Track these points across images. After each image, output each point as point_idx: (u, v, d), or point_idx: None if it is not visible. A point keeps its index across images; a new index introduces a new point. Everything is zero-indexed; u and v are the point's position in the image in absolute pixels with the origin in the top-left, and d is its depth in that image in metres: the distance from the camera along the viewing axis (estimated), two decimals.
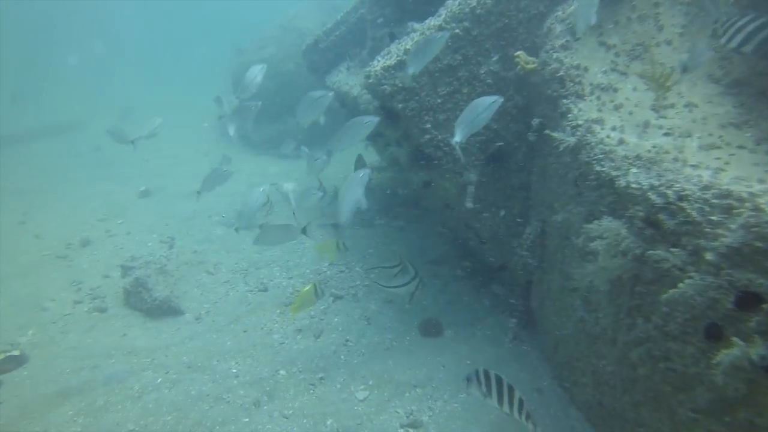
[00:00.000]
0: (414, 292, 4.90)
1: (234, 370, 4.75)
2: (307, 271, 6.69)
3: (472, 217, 5.03)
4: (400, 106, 4.33)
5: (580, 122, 3.30)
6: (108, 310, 5.87)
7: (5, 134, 14.27)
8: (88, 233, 8.02)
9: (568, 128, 3.35)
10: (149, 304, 5.65)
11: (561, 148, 3.34)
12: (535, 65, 4.04)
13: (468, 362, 4.89)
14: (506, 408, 3.12)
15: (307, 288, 4.57)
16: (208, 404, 4.29)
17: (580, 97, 3.45)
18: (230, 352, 5.03)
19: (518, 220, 4.96)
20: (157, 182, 10.62)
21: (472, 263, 6.67)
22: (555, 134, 3.35)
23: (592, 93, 3.42)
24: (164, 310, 5.70)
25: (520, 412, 3.09)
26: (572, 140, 3.26)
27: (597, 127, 3.18)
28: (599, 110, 3.32)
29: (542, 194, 4.41)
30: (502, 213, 4.98)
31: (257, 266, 6.82)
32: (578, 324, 3.71)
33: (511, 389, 3.11)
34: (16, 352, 5.00)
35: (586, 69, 3.51)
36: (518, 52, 4.12)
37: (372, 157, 11.69)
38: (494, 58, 4.35)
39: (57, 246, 7.63)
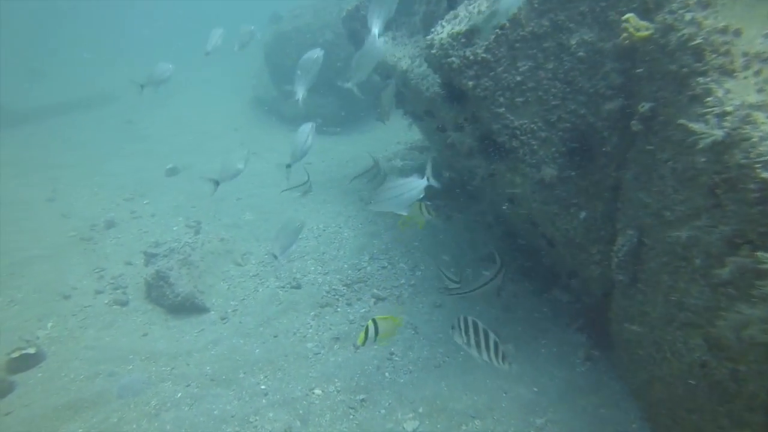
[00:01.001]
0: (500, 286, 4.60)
1: (263, 386, 4.18)
2: (345, 265, 6.04)
3: (545, 217, 4.21)
4: (470, 83, 3.51)
5: (729, 108, 2.42)
6: (129, 304, 5.42)
7: (35, 108, 14.11)
8: (114, 214, 7.61)
9: (710, 117, 2.48)
10: (171, 299, 5.16)
11: (700, 144, 2.48)
12: (650, 32, 3.13)
13: (535, 389, 4.17)
14: (485, 356, 3.24)
15: (388, 322, 3.68)
16: (233, 428, 3.75)
17: (727, 73, 2.55)
18: (259, 362, 4.47)
19: (603, 224, 4.11)
20: (186, 159, 10.14)
21: (530, 263, 5.88)
22: (693, 125, 2.49)
23: (747, 67, 2.52)
24: (187, 307, 5.20)
25: (497, 357, 3.20)
26: (719, 134, 2.40)
27: (760, 116, 2.30)
28: (760, 91, 2.43)
29: (641, 198, 3.54)
30: (583, 215, 4.14)
31: (289, 258, 6.22)
32: (696, 369, 2.90)
33: (486, 334, 3.21)
34: (32, 350, 4.60)
35: (738, 33, 2.59)
36: (627, 15, 3.21)
37: (415, 135, 10.88)
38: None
39: (82, 227, 7.25)
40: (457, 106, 3.79)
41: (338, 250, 6.36)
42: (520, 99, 3.56)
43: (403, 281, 5.77)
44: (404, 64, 5.63)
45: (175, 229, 7.10)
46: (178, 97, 16.81)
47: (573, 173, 3.87)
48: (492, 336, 3.21)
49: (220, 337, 4.83)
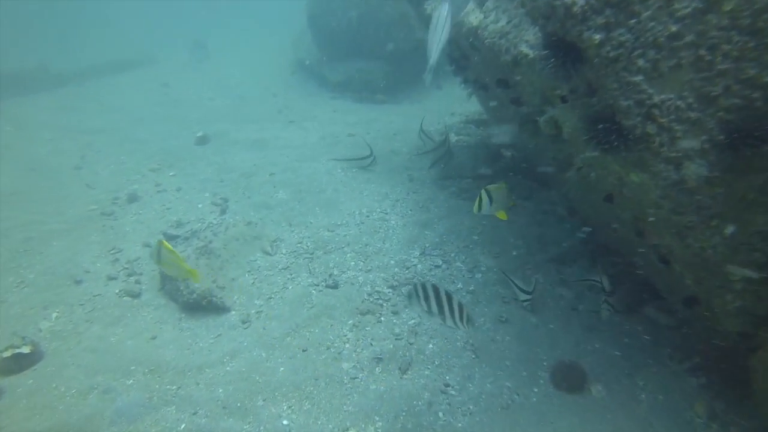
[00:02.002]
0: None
1: (285, 422, 3.37)
2: (391, 261, 5.11)
3: (670, 229, 3.06)
4: (596, 38, 2.36)
5: None
6: (141, 296, 4.73)
7: (79, 69, 13.75)
8: (138, 186, 6.98)
9: None
10: (186, 297, 4.41)
11: None
12: None
13: None
14: (449, 322, 3.11)
15: (502, 191, 3.80)
16: None
17: None
18: (282, 386, 3.66)
19: (758, 244, 2.93)
20: (219, 126, 9.40)
21: (614, 269, 4.75)
22: None
23: None
24: (204, 306, 4.44)
25: (462, 320, 3.09)
26: None
27: None
28: None
29: None
30: (730, 230, 2.96)
31: (327, 248, 5.35)
32: None
33: (449, 297, 3.06)
34: (26, 349, 3.99)
35: None
36: None
37: (472, 106, 9.64)
38: None
39: (104, 200, 6.66)
40: (563, 72, 2.66)
41: (383, 241, 5.41)
42: (670, 61, 2.38)
43: (460, 285, 4.78)
44: (473, 18, 4.45)
45: (200, 206, 6.36)
46: (218, 60, 16.12)
47: (728, 174, 2.69)
48: (455, 298, 3.08)
49: (239, 347, 4.04)
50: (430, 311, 3.13)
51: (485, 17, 4.11)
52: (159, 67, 15.35)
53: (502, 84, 4.32)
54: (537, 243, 5.44)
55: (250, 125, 9.43)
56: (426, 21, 6.21)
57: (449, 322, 3.12)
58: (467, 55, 5.40)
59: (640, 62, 2.33)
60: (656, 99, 2.42)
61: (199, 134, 8.58)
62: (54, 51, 16.00)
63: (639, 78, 2.38)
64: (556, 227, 5.71)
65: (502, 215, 3.92)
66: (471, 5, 4.52)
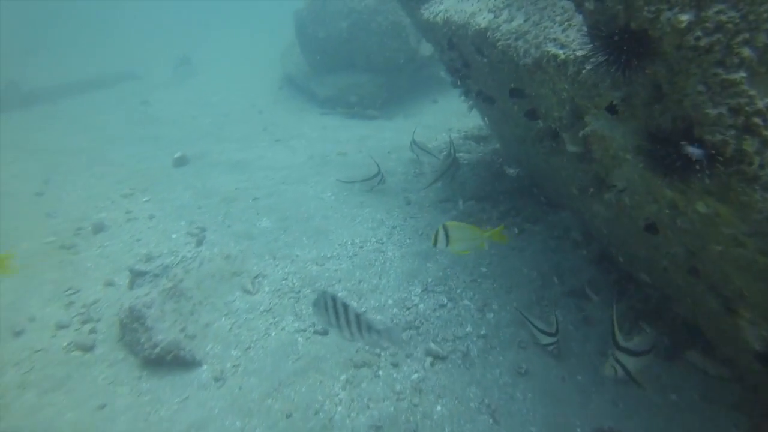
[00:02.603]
0: None
1: None
2: (389, 301, 4.48)
3: (746, 273, 2.47)
4: (683, 18, 1.77)
5: None
6: (95, 349, 4.05)
7: (53, 87, 13.13)
8: (106, 214, 6.32)
9: None
10: (147, 350, 3.74)
11: None
12: None
13: None
14: (347, 334, 2.89)
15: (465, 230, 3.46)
16: None
17: None
18: None
19: None
20: (199, 146, 8.79)
21: (645, 305, 4.18)
22: None
23: None
24: (169, 362, 3.77)
25: (361, 330, 2.89)
26: None
27: None
28: None
29: None
30: None
31: (315, 286, 4.72)
32: None
33: (345, 307, 2.88)
34: None
35: None
36: None
37: (470, 121, 9.14)
38: None
39: (65, 230, 5.99)
40: (616, 74, 2.08)
41: (380, 277, 4.79)
42: None
43: (469, 329, 4.16)
44: (482, 20, 3.92)
45: (174, 237, 5.71)
46: (203, 75, 15.60)
47: None
48: (352, 309, 2.91)
49: (208, 416, 3.38)
50: (332, 323, 2.95)
51: (495, 17, 3.58)
52: (140, 83, 14.78)
53: (517, 94, 3.77)
54: (553, 273, 4.86)
55: (233, 145, 8.84)
56: (422, 27, 5.70)
57: (346, 334, 2.93)
58: (470, 63, 4.88)
59: (745, 52, 1.73)
60: (760, 104, 1.83)
61: (177, 155, 7.96)
62: (29, 67, 15.39)
63: (740, 75, 1.78)
64: (571, 255, 5.14)
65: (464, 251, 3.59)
66: (476, 5, 4.00)
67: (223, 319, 4.33)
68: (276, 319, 4.35)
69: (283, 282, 4.81)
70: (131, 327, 3.84)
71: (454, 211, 6.19)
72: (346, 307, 2.87)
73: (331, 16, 9.73)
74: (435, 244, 3.42)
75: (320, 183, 6.89)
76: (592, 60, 2.09)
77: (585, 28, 2.12)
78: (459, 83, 5.94)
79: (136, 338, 3.80)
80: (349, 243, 5.33)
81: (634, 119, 2.14)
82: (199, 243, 5.54)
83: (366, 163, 7.54)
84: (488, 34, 3.67)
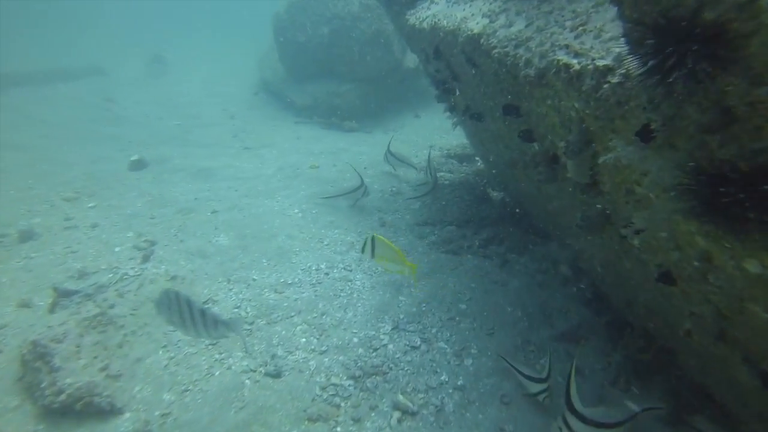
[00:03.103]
0: None
1: None
2: (355, 339, 3.94)
3: None
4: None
5: None
6: None
7: (7, 74, 12.22)
8: (40, 219, 5.61)
9: None
10: (49, 397, 3.07)
11: None
12: None
13: None
14: (192, 332, 2.85)
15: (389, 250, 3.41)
16: None
17: None
18: None
19: None
20: (162, 150, 8.14)
21: (649, 359, 3.76)
22: None
23: None
24: (79, 411, 3.12)
25: (207, 327, 2.83)
26: None
27: None
28: None
29: None
30: None
31: (271, 317, 4.14)
32: None
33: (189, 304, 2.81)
34: None
35: None
36: None
37: (453, 138, 8.75)
38: None
39: None
40: (671, 86, 1.61)
41: (345, 310, 4.25)
42: None
43: (444, 377, 3.65)
44: (474, 25, 3.48)
45: (117, 250, 5.05)
46: (176, 75, 14.91)
47: None
48: (196, 305, 2.81)
49: None
50: (175, 321, 2.85)
51: (491, 21, 3.14)
52: (108, 79, 13.98)
53: (511, 112, 3.33)
54: (539, 313, 4.41)
55: (199, 150, 8.22)
56: (407, 35, 5.27)
57: (192, 332, 2.86)
58: (458, 75, 4.45)
59: None
60: None
61: (135, 158, 7.29)
62: None
63: None
64: (560, 292, 4.71)
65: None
66: (468, 9, 3.57)
67: (159, 353, 3.71)
68: (222, 355, 3.75)
69: (236, 311, 4.21)
70: (33, 366, 3.18)
71: (433, 236, 5.73)
72: (190, 304, 2.83)
73: (313, 20, 9.28)
74: (363, 251, 3.46)
75: (288, 198, 6.34)
76: (625, 69, 1.64)
77: (621, 25, 1.66)
78: (444, 97, 5.52)
79: (38, 381, 3.14)
80: (314, 268, 4.78)
81: (673, 149, 1.69)
82: (146, 259, 4.90)
83: (339, 179, 7.03)
84: (482, 40, 3.24)
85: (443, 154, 8.24)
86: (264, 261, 4.91)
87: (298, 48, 9.54)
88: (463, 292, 4.59)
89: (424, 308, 4.34)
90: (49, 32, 19.07)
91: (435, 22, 4.20)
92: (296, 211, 5.97)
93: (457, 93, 4.95)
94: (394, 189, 6.82)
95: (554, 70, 2.26)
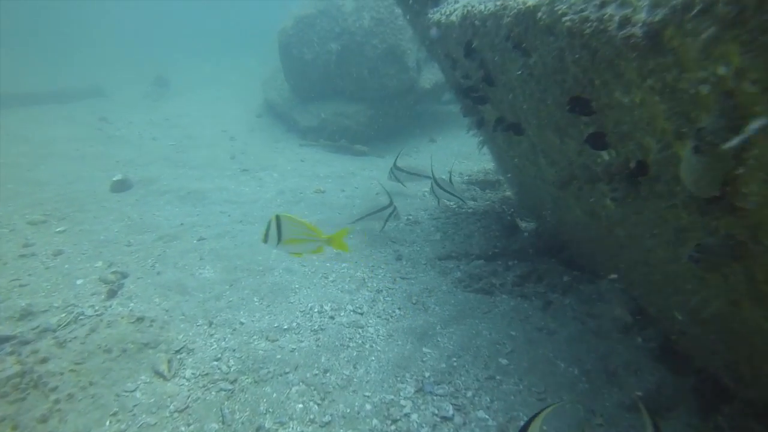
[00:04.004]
0: None
1: None
2: (368, 406, 3.05)
3: None
4: None
5: None
6: None
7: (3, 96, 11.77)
8: None
9: None
10: None
11: None
12: None
13: None
14: None
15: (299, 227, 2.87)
16: None
17: None
18: None
19: None
20: (151, 170, 7.44)
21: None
22: None
23: None
24: None
25: None
26: None
27: None
28: None
29: None
30: None
31: (260, 374, 3.27)
32: None
33: None
34: None
35: None
36: None
37: (473, 164, 8.03)
38: None
39: None
40: None
41: (355, 365, 3.37)
42: None
43: None
44: None
45: (79, 283, 4.24)
46: (178, 98, 14.46)
47: None
48: None
49: None
50: None
51: None
52: (107, 100, 13.54)
53: (580, 107, 2.55)
54: (601, 371, 3.52)
55: (192, 172, 7.51)
56: (428, 37, 4.60)
57: None
58: (494, 78, 3.72)
59: None
60: None
61: (117, 178, 6.57)
62: None
63: None
64: (623, 343, 3.81)
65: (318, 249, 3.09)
66: None
67: (106, 424, 2.83)
68: (191, 426, 2.87)
69: (216, 363, 3.35)
70: None
71: (458, 272, 4.89)
72: None
73: (320, 36, 8.73)
74: (265, 239, 2.94)
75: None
76: None
77: None
78: (471, 110, 4.80)
79: None
80: (317, 310, 3.93)
81: None
82: (112, 295, 4.07)
83: (349, 205, 6.25)
84: (541, 13, 2.48)
85: (464, 180, 7.49)
86: (255, 300, 4.07)
87: (304, 66, 8.97)
88: (502, 343, 3.71)
89: (455, 363, 3.46)
90: (56, 55, 18.92)
91: (468, 11, 3.49)
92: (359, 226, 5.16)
93: (487, 103, 4.23)
94: (410, 218, 6.03)
95: (689, 13, 1.48)
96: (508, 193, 7.25)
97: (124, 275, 4.39)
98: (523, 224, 6.04)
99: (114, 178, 6.53)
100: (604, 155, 2.82)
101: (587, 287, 4.65)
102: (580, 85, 2.56)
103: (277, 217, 2.85)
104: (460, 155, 8.74)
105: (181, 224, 5.51)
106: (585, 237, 4.36)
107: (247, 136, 10.07)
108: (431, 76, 9.18)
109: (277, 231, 2.85)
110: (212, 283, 4.29)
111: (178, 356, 3.40)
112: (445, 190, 5.95)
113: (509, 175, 5.81)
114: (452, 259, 5.23)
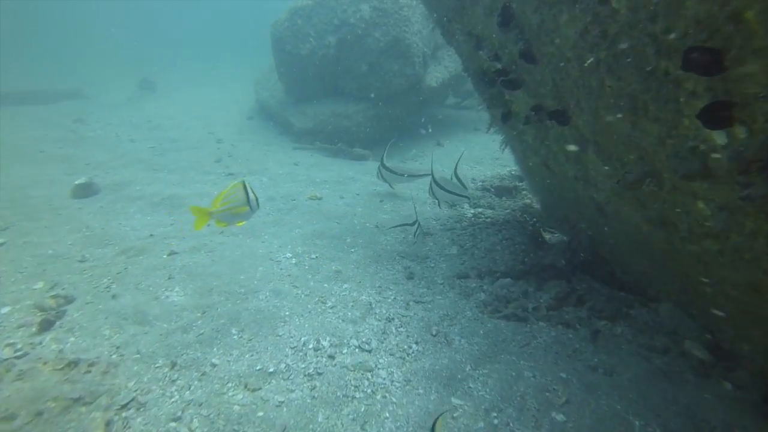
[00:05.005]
0: None
1: None
2: None
3: None
4: None
5: None
6: None
7: None
8: None
9: None
10: None
11: None
12: None
13: None
14: None
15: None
16: None
17: None
18: None
19: None
20: (124, 174, 6.58)
21: None
22: None
23: None
24: None
25: None
26: None
27: None
28: None
29: None
30: None
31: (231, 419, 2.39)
32: None
33: None
34: None
35: None
36: None
37: (486, 169, 7.24)
38: None
39: None
40: None
41: (363, 428, 2.50)
42: None
43: None
44: None
45: (4, 312, 3.35)
46: (165, 100, 13.63)
47: None
48: None
49: None
50: None
51: None
52: (88, 102, 12.69)
53: (701, 61, 1.74)
54: (688, 428, 2.66)
55: (170, 176, 6.65)
56: (453, 7, 3.81)
57: None
58: (535, 53, 2.94)
59: None
60: None
61: (81, 182, 5.70)
62: None
63: None
64: (706, 389, 2.97)
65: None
66: None
67: None
68: None
69: (172, 426, 2.47)
70: None
71: (481, 293, 4.06)
72: None
73: (317, 29, 7.95)
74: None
75: (279, 236, 4.70)
76: None
77: None
78: (497, 100, 3.99)
79: None
80: (312, 346, 3.06)
81: None
82: (46, 327, 3.19)
83: (349, 213, 5.41)
84: None
85: (477, 186, 6.67)
86: (234, 332, 3.19)
87: (300, 62, 8.18)
88: (552, 389, 2.86)
89: (496, 421, 2.60)
90: (42, 56, 18.11)
91: None
92: (288, 255, 4.30)
93: (521, 88, 3.43)
94: (421, 229, 5.19)
95: None
96: (527, 200, 6.46)
97: (69, 300, 3.51)
98: (547, 235, 5.24)
99: (76, 182, 5.65)
100: (718, 138, 2.00)
101: (640, 312, 3.83)
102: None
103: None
104: (471, 159, 7.95)
105: (151, 235, 4.64)
106: (639, 251, 3.52)
107: (235, 138, 9.23)
108: (438, 73, 8.41)
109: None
110: (180, 310, 3.42)
111: (123, 414, 2.52)
112: (447, 190, 5.00)
113: (537, 179, 4.99)
114: (473, 278, 4.39)
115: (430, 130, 8.61)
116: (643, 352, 3.34)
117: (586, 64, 2.47)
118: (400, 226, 4.52)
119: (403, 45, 7.44)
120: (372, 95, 7.87)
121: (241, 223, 2.93)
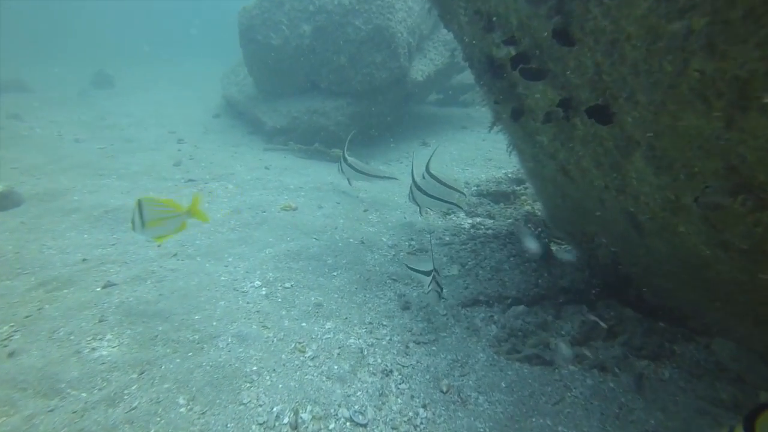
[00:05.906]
0: None
1: None
2: None
3: None
4: None
5: None
6: None
7: None
8: None
9: None
10: None
11: None
12: None
13: None
14: None
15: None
16: None
17: None
18: None
19: None
20: (61, 180, 5.61)
21: None
22: None
23: None
24: None
25: None
26: None
27: None
28: None
29: None
30: None
31: None
32: None
33: None
34: None
35: None
36: None
37: (479, 171, 6.56)
38: None
39: None
40: None
41: None
42: None
43: None
44: None
45: None
46: (123, 98, 12.49)
47: None
48: None
49: None
50: None
51: None
52: (31, 96, 11.44)
53: None
54: None
55: (118, 183, 5.71)
56: None
57: None
58: (572, 34, 2.23)
59: None
60: None
61: None
62: None
63: None
64: None
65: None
66: None
67: None
68: None
69: None
70: None
71: (493, 325, 3.36)
72: None
73: (290, 16, 7.10)
74: (133, 227, 2.55)
75: (245, 259, 3.86)
76: None
77: None
78: (508, 95, 3.26)
79: None
80: (286, 421, 2.26)
81: None
82: None
83: (330, 227, 4.61)
84: None
85: (472, 191, 5.97)
86: (181, 402, 2.37)
87: (271, 53, 7.31)
88: None
89: None
90: None
91: None
92: (257, 283, 3.47)
93: (545, 79, 2.70)
94: (413, 244, 4.45)
95: None
96: (527, 206, 5.79)
97: None
98: (554, 247, 4.58)
99: None
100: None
101: (687, 349, 3.19)
102: None
103: (139, 202, 2.52)
104: (461, 161, 7.24)
105: (84, 260, 3.74)
106: (690, 277, 2.84)
107: (200, 138, 8.28)
108: (424, 67, 7.67)
109: (140, 216, 2.52)
110: (109, 370, 2.56)
111: None
112: (431, 196, 4.13)
113: (548, 187, 4.28)
114: (481, 305, 3.68)
115: (392, 144, 7.87)
116: (708, 407, 2.67)
117: (662, 42, 1.75)
118: (413, 271, 3.29)
119: (386, 34, 6.67)
120: (352, 90, 7.07)
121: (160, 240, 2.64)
